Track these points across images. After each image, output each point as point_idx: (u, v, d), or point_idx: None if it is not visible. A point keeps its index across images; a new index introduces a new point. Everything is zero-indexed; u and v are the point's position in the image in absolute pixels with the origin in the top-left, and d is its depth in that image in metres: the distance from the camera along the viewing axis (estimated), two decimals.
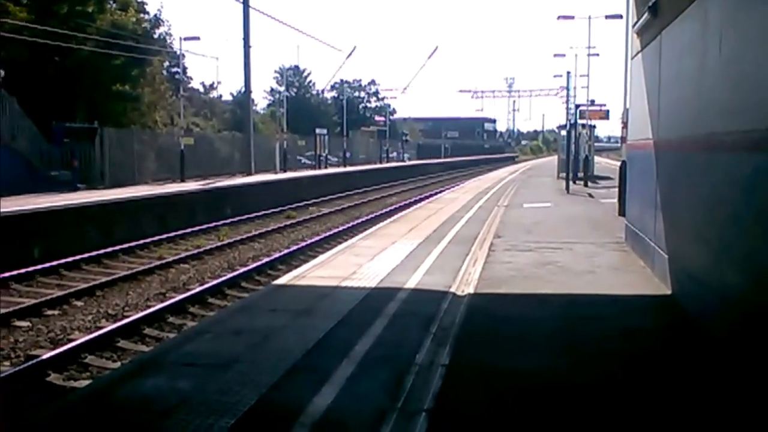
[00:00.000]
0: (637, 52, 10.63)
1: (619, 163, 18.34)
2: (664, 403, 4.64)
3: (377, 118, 76.89)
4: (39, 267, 13.63)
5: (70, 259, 14.36)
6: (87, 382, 7.64)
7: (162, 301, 11.32)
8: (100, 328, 9.80)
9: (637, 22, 10.34)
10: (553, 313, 7.14)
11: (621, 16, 29.37)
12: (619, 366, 5.46)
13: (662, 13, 8.61)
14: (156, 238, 17.78)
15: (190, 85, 53.10)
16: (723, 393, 4.81)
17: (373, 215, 24.00)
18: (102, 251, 15.48)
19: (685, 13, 7.24)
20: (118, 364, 8.35)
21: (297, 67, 70.82)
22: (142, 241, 17.10)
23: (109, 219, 18.28)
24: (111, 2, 32.05)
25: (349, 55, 51.37)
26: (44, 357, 8.40)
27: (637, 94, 10.92)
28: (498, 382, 5.05)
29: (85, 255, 14.86)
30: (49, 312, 10.72)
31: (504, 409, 4.57)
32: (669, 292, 7.83)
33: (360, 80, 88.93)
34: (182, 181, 30.14)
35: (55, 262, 14.07)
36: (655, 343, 6.17)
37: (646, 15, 9.34)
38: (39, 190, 21.31)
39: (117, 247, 16.08)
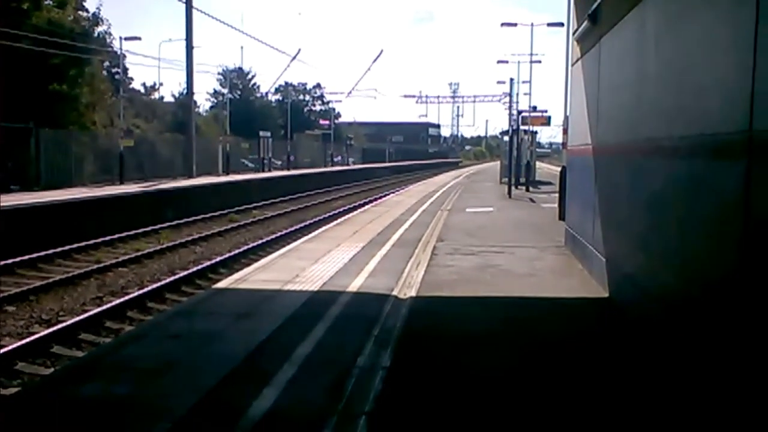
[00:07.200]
0: (577, 59, 10.84)
1: (559, 169, 18.72)
2: (597, 396, 4.74)
3: (322, 121, 76.65)
4: None
5: (1, 263, 13.85)
6: (16, 389, 7.37)
7: (99, 306, 11.03)
8: (33, 333, 9.48)
9: (577, 30, 10.54)
10: (495, 316, 7.22)
11: (562, 24, 29.87)
12: (559, 362, 5.55)
13: (601, 21, 8.79)
14: (94, 241, 17.32)
15: (130, 86, 52.12)
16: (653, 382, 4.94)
17: (317, 218, 23.87)
18: (36, 255, 14.99)
19: (624, 20, 7.41)
20: (52, 370, 8.09)
21: (241, 69, 69.86)
22: (79, 244, 16.62)
23: (45, 221, 17.73)
24: None
25: (294, 57, 51.12)
26: None
27: (577, 101, 11.13)
28: (439, 384, 5.07)
29: (18, 259, 14.36)
30: None
31: (444, 411, 4.58)
32: (606, 294, 7.99)
33: (305, 84, 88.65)
34: (121, 183, 29.48)
35: None
36: (591, 341, 6.29)
37: (585, 23, 9.52)
38: None
39: (53, 251, 15.59)
